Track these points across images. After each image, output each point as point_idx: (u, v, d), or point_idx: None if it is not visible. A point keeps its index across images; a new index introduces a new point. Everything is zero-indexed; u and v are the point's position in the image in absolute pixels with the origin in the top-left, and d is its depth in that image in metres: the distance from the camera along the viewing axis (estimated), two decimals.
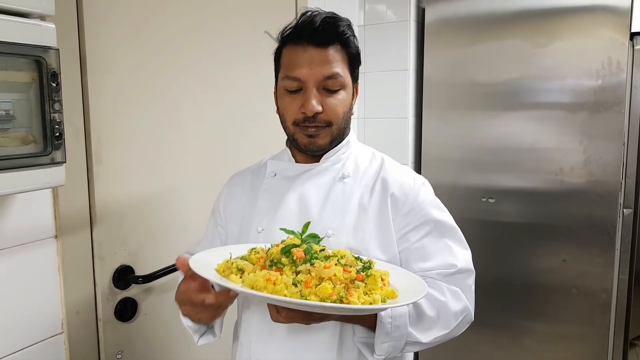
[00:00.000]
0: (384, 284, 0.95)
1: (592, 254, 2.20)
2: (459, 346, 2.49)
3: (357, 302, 0.87)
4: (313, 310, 0.95)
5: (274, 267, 0.95)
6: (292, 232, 1.03)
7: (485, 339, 2.46)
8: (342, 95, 1.12)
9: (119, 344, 1.44)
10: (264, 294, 0.88)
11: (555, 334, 2.32)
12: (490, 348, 2.47)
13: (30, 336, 1.22)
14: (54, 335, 1.27)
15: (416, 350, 1.11)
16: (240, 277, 0.94)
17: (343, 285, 0.91)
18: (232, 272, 0.96)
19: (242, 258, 1.03)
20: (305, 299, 0.87)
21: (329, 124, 1.11)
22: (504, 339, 2.44)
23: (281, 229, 1.03)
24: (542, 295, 2.33)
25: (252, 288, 0.89)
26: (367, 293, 0.91)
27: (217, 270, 0.98)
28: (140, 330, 1.50)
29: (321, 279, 0.91)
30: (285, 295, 0.88)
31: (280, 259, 0.97)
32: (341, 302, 0.88)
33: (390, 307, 0.93)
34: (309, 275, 0.92)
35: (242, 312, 1.22)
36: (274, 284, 0.89)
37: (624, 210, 2.17)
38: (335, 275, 0.91)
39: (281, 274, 0.92)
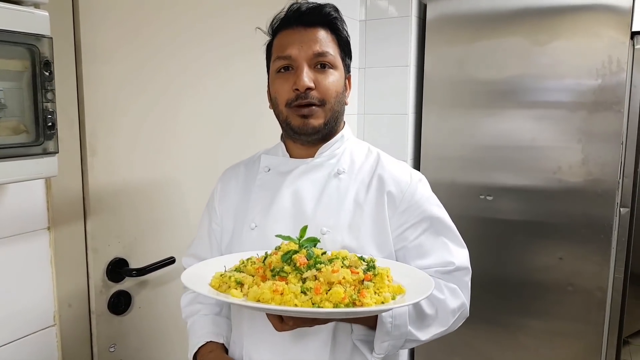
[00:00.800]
0: (389, 280, 0.95)
1: (589, 253, 2.21)
2: (454, 342, 2.49)
3: (371, 303, 0.86)
4: (332, 317, 0.94)
5: (277, 277, 0.92)
6: (288, 238, 0.99)
7: (481, 336, 2.47)
8: (334, 75, 1.11)
9: (113, 337, 1.43)
10: (276, 306, 0.85)
11: (551, 331, 2.32)
12: (486, 344, 2.47)
13: (22, 328, 1.20)
14: (45, 328, 1.25)
15: (413, 346, 1.11)
16: (241, 291, 0.92)
17: (353, 287, 0.90)
18: (229, 287, 0.93)
19: (236, 269, 1.00)
20: (318, 307, 0.85)
21: (322, 103, 1.10)
22: (500, 335, 2.44)
23: (277, 235, 1.01)
24: (538, 293, 2.33)
25: (258, 301, 0.87)
26: (375, 292, 0.90)
27: (212, 286, 0.95)
28: (133, 323, 1.49)
29: (330, 284, 0.89)
30: (296, 305, 0.85)
31: (283, 268, 0.93)
32: (354, 304, 0.86)
33: (410, 304, 0.92)
34: (317, 281, 0.90)
35: (232, 309, 1.21)
36: (282, 294, 0.86)
37: (621, 209, 2.16)
38: (344, 278, 0.89)
39: (286, 283, 0.89)
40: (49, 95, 1.00)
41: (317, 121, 1.10)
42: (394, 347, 1.04)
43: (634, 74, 2.11)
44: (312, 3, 1.13)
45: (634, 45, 2.09)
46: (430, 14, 2.44)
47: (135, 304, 1.49)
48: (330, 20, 1.13)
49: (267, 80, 1.21)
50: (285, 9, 1.14)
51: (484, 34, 2.33)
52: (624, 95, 2.09)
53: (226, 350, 1.19)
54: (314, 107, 1.09)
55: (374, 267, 0.95)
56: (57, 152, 1.02)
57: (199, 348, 1.18)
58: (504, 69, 2.30)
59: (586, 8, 2.12)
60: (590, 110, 2.15)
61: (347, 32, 1.17)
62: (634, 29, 2.05)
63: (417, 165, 2.56)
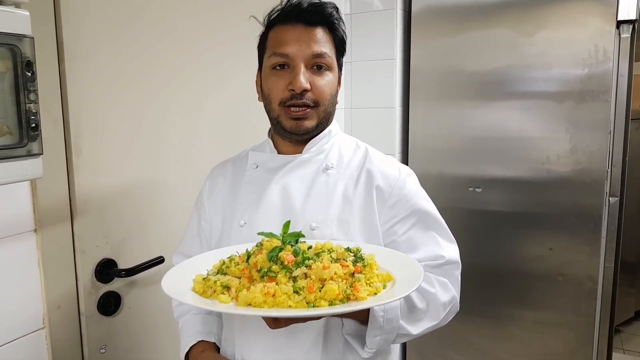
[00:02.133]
0: (376, 268, 0.95)
1: (579, 243, 2.21)
2: (446, 335, 2.50)
3: (365, 297, 0.86)
4: (330, 315, 0.93)
5: (265, 277, 0.90)
6: (270, 235, 0.98)
7: (472, 328, 2.48)
8: (329, 76, 1.11)
9: (103, 338, 1.42)
10: (273, 311, 0.83)
11: (542, 321, 2.33)
12: (477, 337, 2.48)
13: (11, 332, 1.19)
14: (35, 331, 1.24)
15: (405, 341, 1.11)
16: (228, 294, 0.89)
17: (344, 281, 0.89)
18: (215, 291, 0.91)
19: (218, 270, 0.98)
20: (313, 306, 0.84)
21: (316, 104, 1.09)
22: (491, 327, 2.45)
23: (259, 233, 1.00)
24: (528, 284, 2.34)
25: (249, 305, 0.85)
26: (366, 282, 0.90)
27: (196, 292, 0.93)
28: (124, 324, 1.48)
29: (322, 280, 0.88)
30: (290, 306, 0.84)
31: (270, 267, 0.91)
32: (348, 299, 0.86)
33: (408, 294, 0.89)
34: (309, 279, 0.88)
35: None
36: (273, 295, 0.85)
37: (610, 198, 2.17)
38: (335, 273, 0.88)
39: (276, 283, 0.88)
40: (32, 96, 0.98)
41: (310, 123, 1.10)
42: (386, 341, 1.04)
43: (620, 63, 2.11)
44: (312, 0, 1.11)
45: (620, 34, 2.09)
46: (415, 6, 2.43)
47: (125, 305, 1.48)
48: (331, 21, 1.12)
49: (257, 72, 1.19)
50: (284, 2, 1.12)
51: (469, 25, 2.33)
52: (611, 84, 2.10)
53: (218, 349, 1.19)
54: (307, 110, 1.09)
55: (362, 259, 0.95)
56: (42, 154, 1.01)
57: (191, 348, 1.18)
58: (490, 60, 2.30)
59: None
60: (578, 100, 2.15)
61: (344, 30, 1.16)
62: (619, 18, 2.06)
63: (405, 159, 2.56)
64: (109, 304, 1.43)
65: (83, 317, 1.36)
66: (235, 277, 0.94)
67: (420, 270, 0.93)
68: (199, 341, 1.18)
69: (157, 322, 1.58)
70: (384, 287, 0.91)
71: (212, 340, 1.19)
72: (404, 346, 2.65)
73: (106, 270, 1.41)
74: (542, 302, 2.32)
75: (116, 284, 1.45)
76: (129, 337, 1.50)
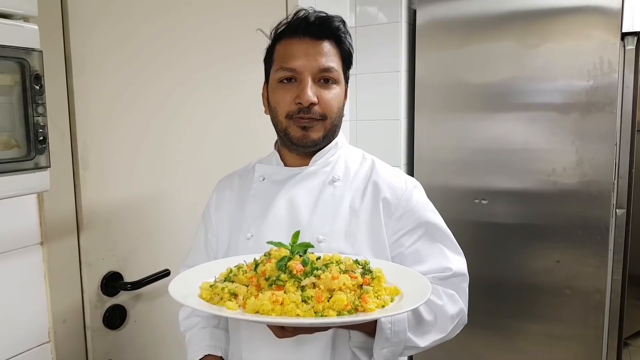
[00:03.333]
0: (384, 282, 0.94)
1: (586, 255, 2.20)
2: (453, 348, 2.48)
3: (374, 309, 0.86)
4: (338, 325, 0.93)
5: (273, 286, 0.90)
6: (279, 244, 0.98)
7: (480, 341, 2.45)
8: (336, 90, 1.11)
9: (108, 352, 1.41)
10: (281, 319, 0.83)
11: (550, 334, 2.31)
12: (484, 350, 2.46)
13: (16, 345, 1.19)
14: (40, 345, 1.24)
15: (412, 353, 1.10)
16: (235, 302, 0.89)
17: (352, 292, 0.89)
18: (222, 298, 0.90)
19: (226, 278, 0.98)
20: (321, 315, 0.84)
21: (323, 117, 1.09)
22: (498, 340, 2.43)
23: (268, 242, 1.00)
24: (535, 296, 2.32)
25: (257, 312, 0.85)
26: (374, 295, 0.90)
27: (203, 298, 0.92)
28: (129, 338, 1.47)
29: (330, 291, 0.88)
30: (298, 315, 0.84)
31: (279, 276, 0.91)
32: (356, 310, 0.86)
33: (415, 308, 0.89)
34: (317, 289, 0.88)
35: (229, 320, 1.20)
36: (282, 304, 0.85)
37: (617, 210, 2.16)
38: (344, 284, 0.88)
39: (284, 292, 0.87)
40: (40, 109, 0.98)
41: (316, 134, 1.10)
42: (393, 354, 1.04)
43: (625, 75, 2.12)
44: (320, 13, 1.11)
45: (624, 46, 2.10)
46: (420, 19, 2.45)
47: (130, 318, 1.47)
48: (338, 34, 1.12)
49: (264, 84, 1.20)
50: (291, 15, 1.12)
51: (474, 38, 2.34)
52: (616, 95, 2.10)
53: None
54: (315, 120, 1.09)
55: (370, 271, 0.95)
56: (49, 167, 1.01)
57: None
58: (495, 72, 2.31)
59: (576, 10, 2.13)
60: (583, 111, 2.15)
61: (350, 44, 1.16)
62: (624, 30, 2.07)
63: (410, 171, 2.56)
64: (115, 318, 1.42)
65: (88, 330, 1.36)
66: (243, 285, 0.94)
67: (427, 284, 0.93)
68: (205, 355, 1.17)
69: (162, 335, 1.57)
70: (392, 301, 0.90)
71: (219, 354, 1.18)
72: (410, 359, 2.62)
73: (112, 283, 1.40)
74: (550, 315, 2.30)
75: (122, 297, 1.45)
76: (134, 351, 1.49)
